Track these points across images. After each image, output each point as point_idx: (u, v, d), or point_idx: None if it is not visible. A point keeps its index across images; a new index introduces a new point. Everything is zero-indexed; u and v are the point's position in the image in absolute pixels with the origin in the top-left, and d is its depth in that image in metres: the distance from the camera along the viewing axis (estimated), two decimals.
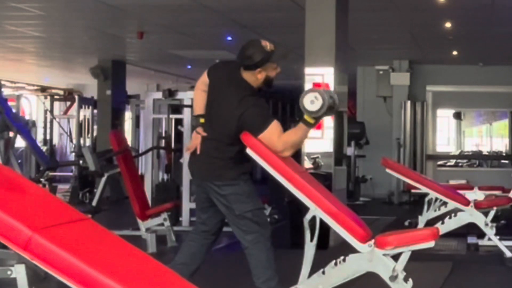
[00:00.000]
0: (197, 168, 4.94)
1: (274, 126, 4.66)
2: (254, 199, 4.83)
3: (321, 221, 4.45)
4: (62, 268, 2.68)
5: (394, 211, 12.66)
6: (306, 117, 4.63)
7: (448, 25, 11.28)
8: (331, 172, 8.43)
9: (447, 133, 23.84)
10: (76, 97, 16.61)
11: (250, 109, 4.69)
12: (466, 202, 7.76)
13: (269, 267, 4.75)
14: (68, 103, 17.59)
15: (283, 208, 9.32)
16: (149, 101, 10.89)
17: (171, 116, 11.93)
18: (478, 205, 7.80)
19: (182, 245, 5.17)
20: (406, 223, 9.71)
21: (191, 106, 10.41)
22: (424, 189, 7.92)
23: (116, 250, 3.01)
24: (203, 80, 5.01)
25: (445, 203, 8.16)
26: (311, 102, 4.59)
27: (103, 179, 8.77)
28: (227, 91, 4.85)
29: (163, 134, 12.86)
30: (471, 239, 8.34)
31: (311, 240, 4.50)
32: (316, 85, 8.48)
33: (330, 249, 7.49)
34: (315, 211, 4.46)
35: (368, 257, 4.29)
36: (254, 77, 4.81)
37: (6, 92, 14.03)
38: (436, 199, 7.98)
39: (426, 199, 8.19)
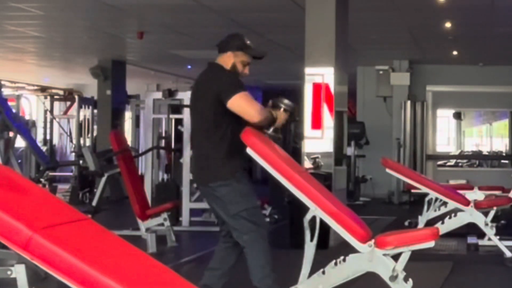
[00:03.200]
0: (193, 173, 5.04)
1: (244, 94, 4.68)
2: (249, 198, 4.80)
3: (321, 221, 4.45)
4: (62, 268, 2.68)
5: (394, 211, 12.66)
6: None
7: (448, 25, 11.28)
8: (331, 172, 8.43)
9: (447, 133, 23.84)
10: (76, 97, 16.62)
11: (223, 78, 4.75)
12: (466, 202, 7.76)
13: (266, 266, 4.75)
14: (68, 103, 17.59)
15: (283, 208, 9.33)
16: (149, 101, 10.89)
17: (171, 116, 11.94)
18: (478, 205, 7.79)
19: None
20: (406, 223, 9.71)
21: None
22: (424, 189, 7.91)
23: (116, 250, 3.01)
24: None
25: (445, 203, 8.16)
26: None
27: (103, 179, 8.77)
28: (201, 85, 4.93)
29: (163, 134, 12.87)
30: (471, 239, 8.34)
31: (311, 240, 4.50)
32: (316, 85, 8.49)
33: (330, 249, 7.49)
34: (315, 211, 4.45)
35: (368, 257, 4.29)
36: (224, 61, 4.84)
37: (6, 92, 14.02)
38: (436, 199, 7.98)
39: (426, 199, 8.19)
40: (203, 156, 4.84)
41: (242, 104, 4.65)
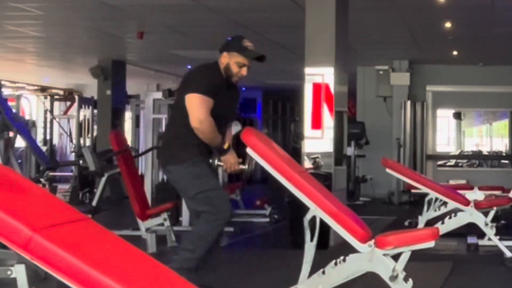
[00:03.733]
0: (158, 158, 5.27)
1: (200, 98, 4.79)
2: (205, 181, 4.87)
3: (321, 221, 4.45)
4: (62, 268, 2.68)
5: (394, 211, 12.66)
6: (226, 146, 4.90)
7: (448, 25, 11.29)
8: (331, 172, 8.42)
9: (447, 133, 23.84)
10: (76, 97, 16.62)
11: (200, 74, 4.94)
12: (466, 202, 7.76)
13: (196, 242, 4.79)
14: (68, 103, 17.59)
15: (283, 208, 9.33)
16: (149, 101, 10.89)
17: None
18: (478, 205, 7.79)
19: None
20: (406, 223, 9.71)
21: None
22: (424, 189, 7.91)
23: (116, 250, 3.01)
24: None
25: (445, 203, 8.16)
26: None
27: (103, 179, 8.77)
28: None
29: None
30: (471, 239, 8.34)
31: (311, 240, 4.49)
32: (316, 85, 8.49)
33: (330, 249, 7.49)
34: (315, 211, 4.45)
35: (368, 257, 4.29)
36: (220, 61, 4.96)
37: (6, 92, 14.02)
38: (436, 199, 7.97)
39: (426, 199, 8.19)
40: (166, 141, 5.06)
41: (193, 103, 4.80)
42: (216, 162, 4.92)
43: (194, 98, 4.80)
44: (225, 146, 4.89)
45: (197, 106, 4.79)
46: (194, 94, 4.80)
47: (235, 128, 5.32)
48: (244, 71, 4.94)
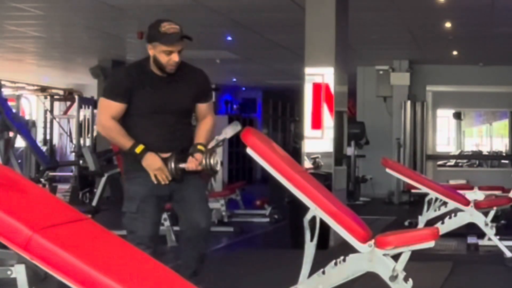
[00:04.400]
0: None
1: (102, 102, 4.52)
2: (130, 202, 4.57)
3: (321, 221, 4.45)
4: (62, 268, 2.68)
5: (394, 211, 12.66)
6: (138, 149, 4.46)
7: (448, 25, 11.29)
8: (331, 172, 8.43)
9: (447, 133, 23.84)
10: (76, 97, 16.62)
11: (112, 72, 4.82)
12: (466, 202, 7.76)
13: None
14: (68, 103, 17.59)
15: (283, 208, 9.33)
16: None
17: None
18: (478, 205, 7.79)
19: None
20: (406, 223, 9.71)
21: None
22: (424, 189, 7.91)
23: (116, 250, 3.01)
24: None
25: (445, 203, 8.15)
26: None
27: (103, 179, 8.78)
28: None
29: None
30: (471, 239, 8.34)
31: (311, 240, 4.49)
32: (316, 85, 8.49)
33: (330, 249, 7.49)
34: (315, 211, 4.45)
35: (368, 257, 4.29)
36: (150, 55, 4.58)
37: (6, 92, 14.03)
38: (436, 199, 7.97)
39: (426, 199, 8.18)
40: None
41: (98, 107, 4.65)
42: (172, 165, 4.45)
43: (99, 102, 4.60)
44: (137, 150, 4.42)
45: (99, 110, 4.59)
46: (100, 98, 4.58)
47: (235, 128, 5.18)
48: (175, 57, 4.54)
